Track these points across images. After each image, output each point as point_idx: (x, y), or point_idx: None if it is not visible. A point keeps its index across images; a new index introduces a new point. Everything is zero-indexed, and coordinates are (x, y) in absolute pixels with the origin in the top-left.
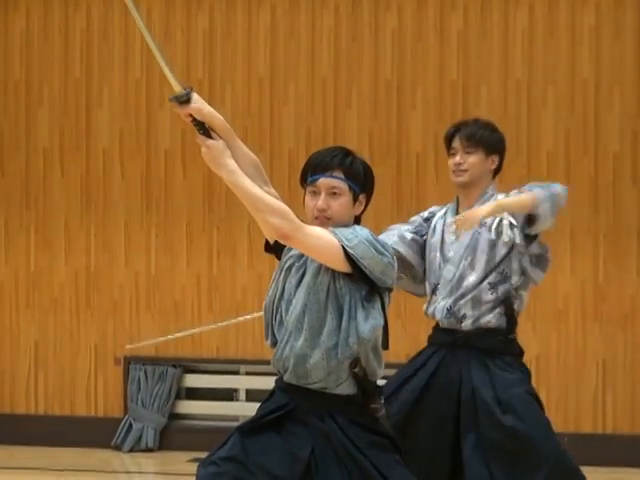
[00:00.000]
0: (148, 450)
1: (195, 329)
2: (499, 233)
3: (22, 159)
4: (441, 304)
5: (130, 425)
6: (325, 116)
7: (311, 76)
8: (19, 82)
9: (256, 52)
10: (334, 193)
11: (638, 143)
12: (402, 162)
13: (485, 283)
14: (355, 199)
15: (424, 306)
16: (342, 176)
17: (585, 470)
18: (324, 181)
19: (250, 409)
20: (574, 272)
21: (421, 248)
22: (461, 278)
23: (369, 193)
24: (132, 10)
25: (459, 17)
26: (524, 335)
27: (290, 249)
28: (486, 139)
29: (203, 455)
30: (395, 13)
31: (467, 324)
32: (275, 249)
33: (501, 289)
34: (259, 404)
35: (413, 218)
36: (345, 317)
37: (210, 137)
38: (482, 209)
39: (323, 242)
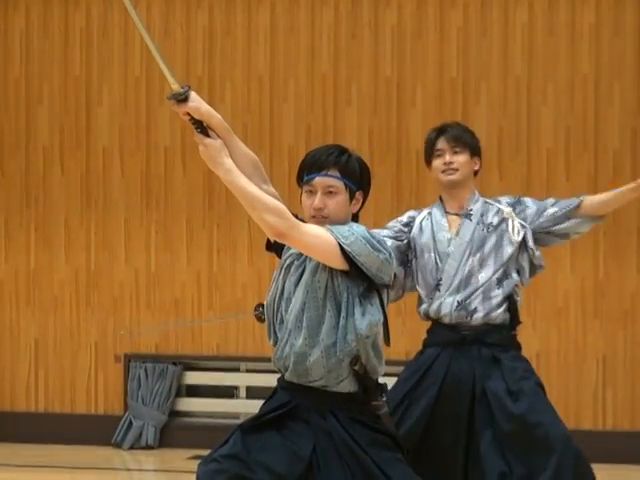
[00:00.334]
0: (148, 448)
1: (197, 321)
2: (505, 232)
3: (22, 157)
4: (448, 299)
5: (130, 423)
6: (325, 113)
7: (311, 73)
8: (19, 80)
9: (256, 49)
10: (330, 192)
11: (638, 140)
12: (402, 159)
13: (494, 278)
14: (352, 197)
15: (422, 307)
16: (338, 174)
17: None
18: (320, 180)
19: (250, 406)
20: (574, 269)
21: (401, 254)
22: (470, 275)
23: (366, 190)
24: (129, 8)
25: (459, 14)
26: (524, 332)
27: (290, 248)
28: (470, 141)
29: (203, 452)
30: (395, 10)
31: (477, 317)
32: (276, 248)
33: (506, 285)
34: (259, 401)
35: (391, 224)
36: (343, 314)
37: (208, 136)
38: None
39: (319, 240)
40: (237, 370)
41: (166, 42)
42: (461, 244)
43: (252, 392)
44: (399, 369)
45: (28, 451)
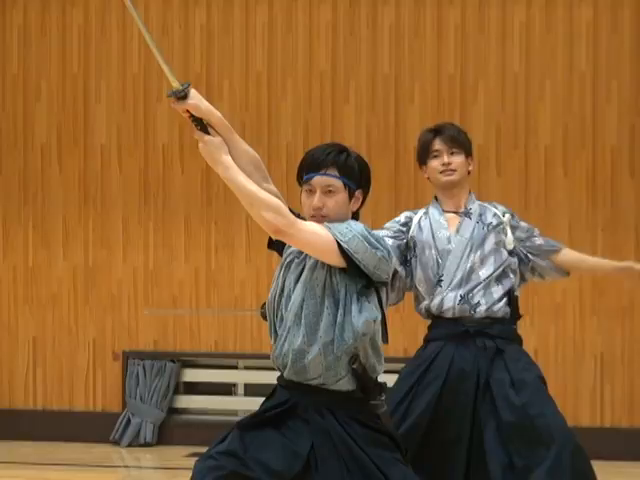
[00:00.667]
0: (147, 445)
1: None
2: (501, 234)
3: (20, 155)
4: (450, 294)
5: (129, 420)
6: (323, 111)
7: (309, 71)
8: (17, 78)
9: (254, 47)
10: (329, 191)
11: (636, 137)
12: (400, 156)
13: (494, 275)
14: (351, 196)
15: (423, 304)
16: (336, 174)
17: None
18: (319, 179)
19: (249, 403)
20: None
21: (401, 253)
22: (471, 271)
23: (365, 188)
24: (129, 6)
25: (457, 11)
26: (522, 329)
27: (290, 246)
28: (465, 142)
29: (201, 450)
30: (393, 7)
31: (480, 311)
32: (277, 246)
33: (505, 283)
34: (258, 399)
35: (388, 224)
36: (340, 311)
37: (207, 133)
38: None
39: (317, 237)
40: (235, 367)
41: (164, 40)
42: (462, 241)
43: (250, 389)
44: (397, 366)
45: (26, 448)
